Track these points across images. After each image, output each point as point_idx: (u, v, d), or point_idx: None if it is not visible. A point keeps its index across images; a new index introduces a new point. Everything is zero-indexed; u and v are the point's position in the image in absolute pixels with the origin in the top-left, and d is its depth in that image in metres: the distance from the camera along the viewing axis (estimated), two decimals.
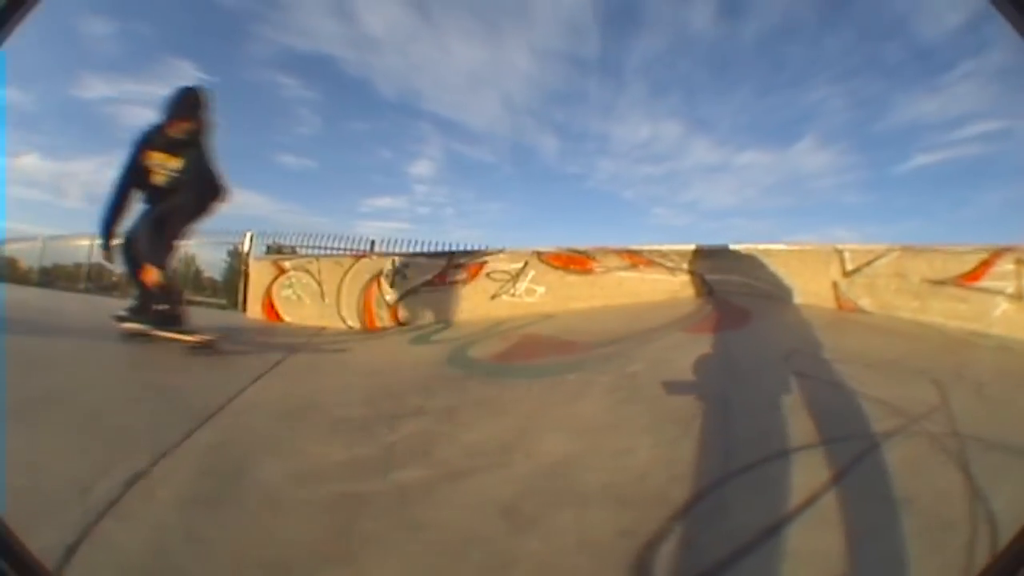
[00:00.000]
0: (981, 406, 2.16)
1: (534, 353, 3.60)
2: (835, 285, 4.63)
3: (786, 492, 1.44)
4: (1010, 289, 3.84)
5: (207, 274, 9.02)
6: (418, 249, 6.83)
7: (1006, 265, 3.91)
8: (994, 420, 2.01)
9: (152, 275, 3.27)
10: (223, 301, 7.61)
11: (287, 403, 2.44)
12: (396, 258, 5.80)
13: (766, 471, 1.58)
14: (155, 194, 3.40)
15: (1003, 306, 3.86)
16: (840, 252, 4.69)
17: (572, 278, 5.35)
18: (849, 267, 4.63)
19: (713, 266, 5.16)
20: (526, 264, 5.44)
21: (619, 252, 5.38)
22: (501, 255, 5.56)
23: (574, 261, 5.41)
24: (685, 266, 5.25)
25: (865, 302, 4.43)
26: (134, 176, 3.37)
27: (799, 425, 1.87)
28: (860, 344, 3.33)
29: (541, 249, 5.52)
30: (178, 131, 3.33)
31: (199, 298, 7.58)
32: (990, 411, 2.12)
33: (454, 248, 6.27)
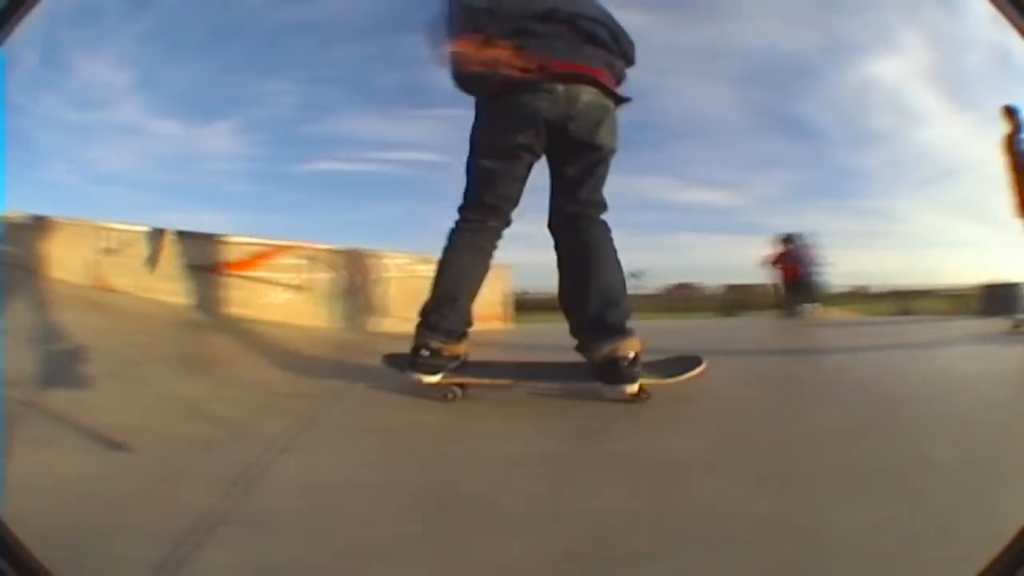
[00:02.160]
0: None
1: None
2: (96, 263, 4.52)
3: None
4: (290, 281, 4.47)
5: None
6: None
7: (290, 260, 4.52)
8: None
9: None
10: None
11: None
12: None
13: None
14: None
15: (276, 296, 4.44)
16: (106, 230, 4.58)
17: None
18: (112, 246, 4.62)
19: None
20: None
21: None
22: None
23: None
24: None
25: (123, 282, 4.41)
26: None
27: None
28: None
29: None
30: None
31: None
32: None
33: None
